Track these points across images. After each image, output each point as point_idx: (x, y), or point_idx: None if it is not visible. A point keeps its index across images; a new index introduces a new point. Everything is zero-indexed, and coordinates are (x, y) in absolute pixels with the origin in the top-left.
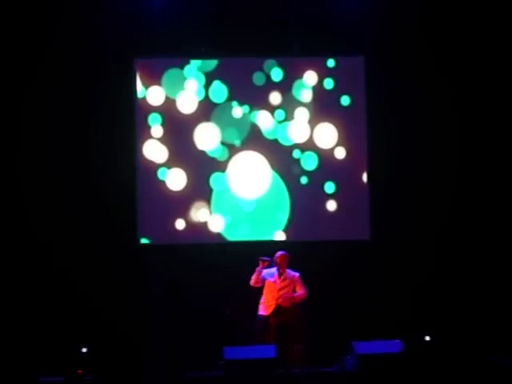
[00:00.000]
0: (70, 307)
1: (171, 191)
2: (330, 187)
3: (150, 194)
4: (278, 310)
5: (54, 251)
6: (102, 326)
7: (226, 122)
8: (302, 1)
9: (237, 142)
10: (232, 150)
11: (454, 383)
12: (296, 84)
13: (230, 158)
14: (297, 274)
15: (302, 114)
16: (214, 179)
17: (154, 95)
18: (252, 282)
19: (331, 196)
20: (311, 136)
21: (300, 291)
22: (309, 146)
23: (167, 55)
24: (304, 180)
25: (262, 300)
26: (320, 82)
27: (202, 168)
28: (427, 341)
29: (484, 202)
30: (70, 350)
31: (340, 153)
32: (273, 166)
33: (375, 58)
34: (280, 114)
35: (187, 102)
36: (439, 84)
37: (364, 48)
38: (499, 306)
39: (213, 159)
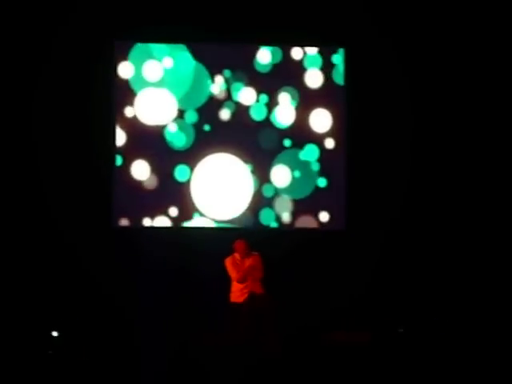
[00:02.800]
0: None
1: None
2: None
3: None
4: (251, 297)
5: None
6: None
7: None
8: None
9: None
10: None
11: (425, 375)
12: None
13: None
14: (256, 253)
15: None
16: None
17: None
18: (238, 278)
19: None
20: (296, 121)
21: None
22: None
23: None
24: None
25: (233, 288)
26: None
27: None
28: (400, 332)
29: (457, 195)
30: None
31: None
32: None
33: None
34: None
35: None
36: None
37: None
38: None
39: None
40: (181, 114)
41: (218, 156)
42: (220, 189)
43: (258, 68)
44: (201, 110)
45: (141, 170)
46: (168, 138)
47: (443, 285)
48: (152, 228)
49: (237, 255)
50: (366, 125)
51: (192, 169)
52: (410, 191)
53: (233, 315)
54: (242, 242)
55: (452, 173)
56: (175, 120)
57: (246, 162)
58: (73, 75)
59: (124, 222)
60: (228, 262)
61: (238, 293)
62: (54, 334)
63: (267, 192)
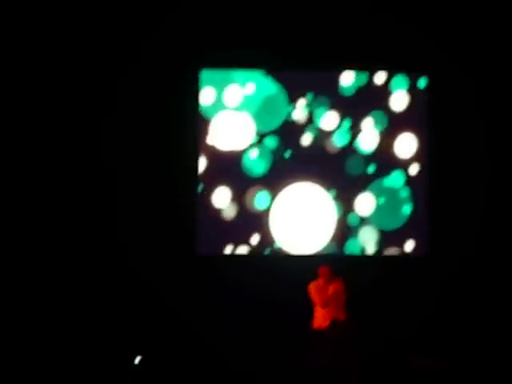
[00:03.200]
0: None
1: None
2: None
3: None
4: (334, 323)
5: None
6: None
7: None
8: None
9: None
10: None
11: None
12: None
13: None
14: (339, 279)
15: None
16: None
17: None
18: (322, 303)
19: None
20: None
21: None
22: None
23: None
24: None
25: (316, 314)
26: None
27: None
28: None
29: None
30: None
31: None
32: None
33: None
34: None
35: None
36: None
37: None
38: None
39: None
40: (260, 140)
41: (299, 185)
42: (302, 219)
43: (342, 92)
44: (281, 136)
45: (221, 198)
46: (247, 164)
47: None
48: (234, 256)
49: (321, 281)
50: (450, 150)
51: (272, 196)
52: (494, 214)
53: (316, 341)
54: (326, 268)
55: None
56: (254, 146)
57: (328, 189)
58: (156, 102)
59: (206, 250)
60: (312, 287)
61: (321, 318)
62: (137, 360)
63: (352, 221)
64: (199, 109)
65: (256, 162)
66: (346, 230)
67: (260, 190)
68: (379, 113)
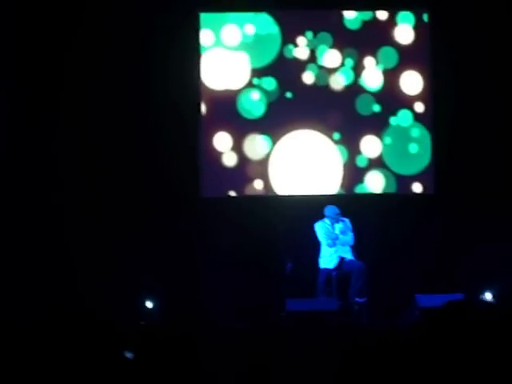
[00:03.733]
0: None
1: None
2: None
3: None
4: (341, 263)
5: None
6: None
7: None
8: None
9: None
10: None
11: None
12: None
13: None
14: (346, 219)
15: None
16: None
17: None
18: (327, 243)
19: None
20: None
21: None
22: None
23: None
24: None
25: (323, 253)
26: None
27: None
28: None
29: None
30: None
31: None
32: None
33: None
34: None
35: None
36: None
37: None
38: None
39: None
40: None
41: (301, 132)
42: (306, 167)
43: (346, 25)
44: (281, 75)
45: (222, 143)
46: (245, 105)
47: None
48: (239, 197)
49: (327, 220)
50: (453, 89)
51: (273, 141)
52: (498, 151)
53: (323, 281)
54: (333, 208)
55: None
56: (252, 86)
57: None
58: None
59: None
60: (318, 227)
61: (327, 258)
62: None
63: (360, 162)
64: (200, 51)
65: (255, 104)
66: (353, 174)
67: (260, 133)
68: (386, 49)
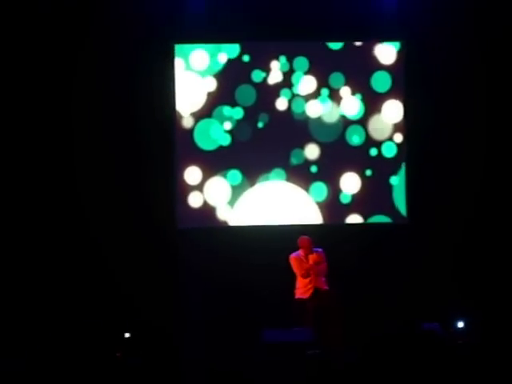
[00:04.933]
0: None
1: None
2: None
3: None
4: (316, 293)
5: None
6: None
7: None
8: None
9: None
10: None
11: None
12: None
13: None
14: (320, 250)
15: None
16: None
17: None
18: (302, 274)
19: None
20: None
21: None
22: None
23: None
24: None
25: (298, 284)
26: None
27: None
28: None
29: None
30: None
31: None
32: None
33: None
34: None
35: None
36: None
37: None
38: None
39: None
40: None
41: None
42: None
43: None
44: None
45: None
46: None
47: None
48: (214, 228)
49: (301, 252)
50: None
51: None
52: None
53: (298, 311)
54: (307, 239)
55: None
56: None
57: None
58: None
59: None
60: (293, 258)
61: (303, 289)
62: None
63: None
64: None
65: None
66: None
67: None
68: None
